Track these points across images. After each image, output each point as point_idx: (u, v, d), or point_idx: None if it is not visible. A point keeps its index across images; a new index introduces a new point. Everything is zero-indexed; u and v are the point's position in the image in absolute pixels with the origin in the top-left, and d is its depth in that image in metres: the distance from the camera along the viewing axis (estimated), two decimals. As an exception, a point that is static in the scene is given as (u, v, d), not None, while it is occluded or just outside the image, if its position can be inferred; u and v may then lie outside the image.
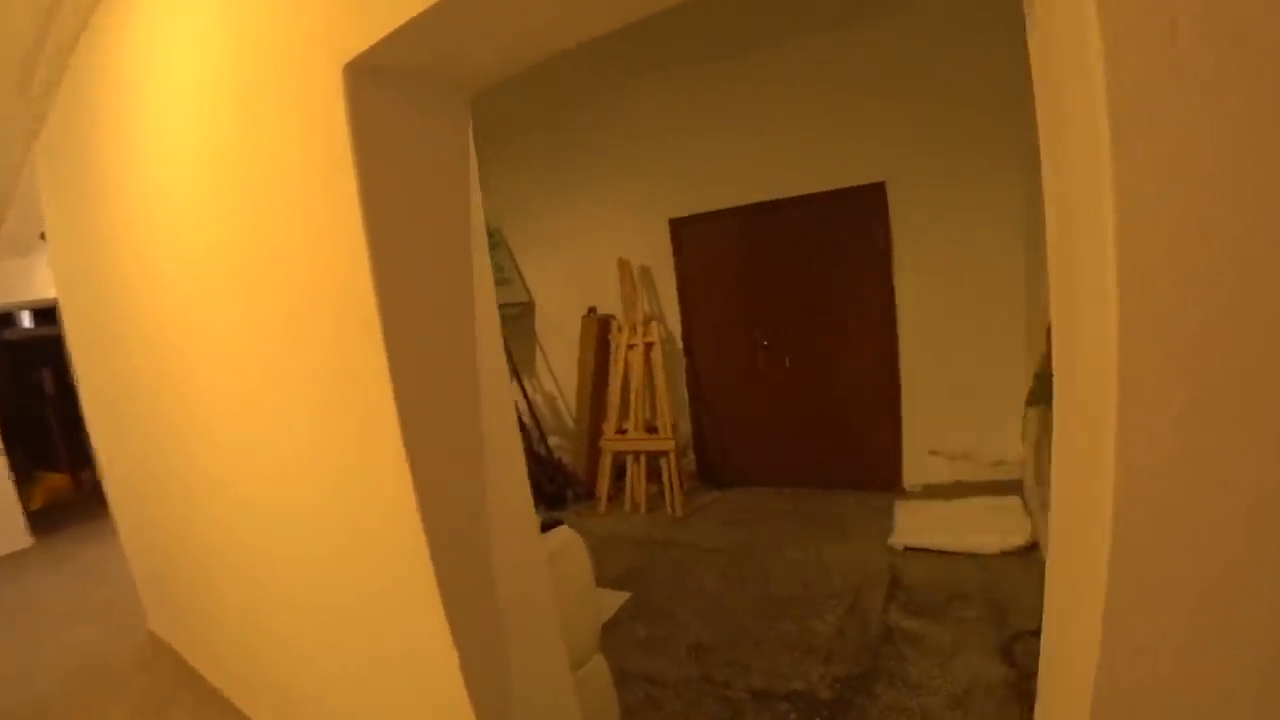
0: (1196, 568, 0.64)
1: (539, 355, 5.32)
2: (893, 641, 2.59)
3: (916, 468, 4.12)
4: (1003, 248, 3.71)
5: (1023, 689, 2.17)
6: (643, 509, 4.22)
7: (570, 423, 5.10)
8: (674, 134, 4.41)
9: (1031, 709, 1.96)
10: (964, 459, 3.99)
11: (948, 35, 3.59)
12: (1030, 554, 3.09)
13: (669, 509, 4.17)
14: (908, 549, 3.34)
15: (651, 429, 4.30)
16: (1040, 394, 2.94)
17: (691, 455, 4.79)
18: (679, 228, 4.56)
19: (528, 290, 5.29)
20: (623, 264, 4.41)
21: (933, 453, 4.07)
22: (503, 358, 1.46)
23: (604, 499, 4.29)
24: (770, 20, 3.71)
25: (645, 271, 4.54)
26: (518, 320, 5.28)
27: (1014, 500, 3.62)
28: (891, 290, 4.01)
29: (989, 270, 3.76)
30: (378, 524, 1.36)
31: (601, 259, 4.67)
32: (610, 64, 3.99)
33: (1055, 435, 0.92)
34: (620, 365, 4.30)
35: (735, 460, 4.63)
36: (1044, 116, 0.80)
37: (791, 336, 4.34)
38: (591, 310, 4.75)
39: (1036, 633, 2.31)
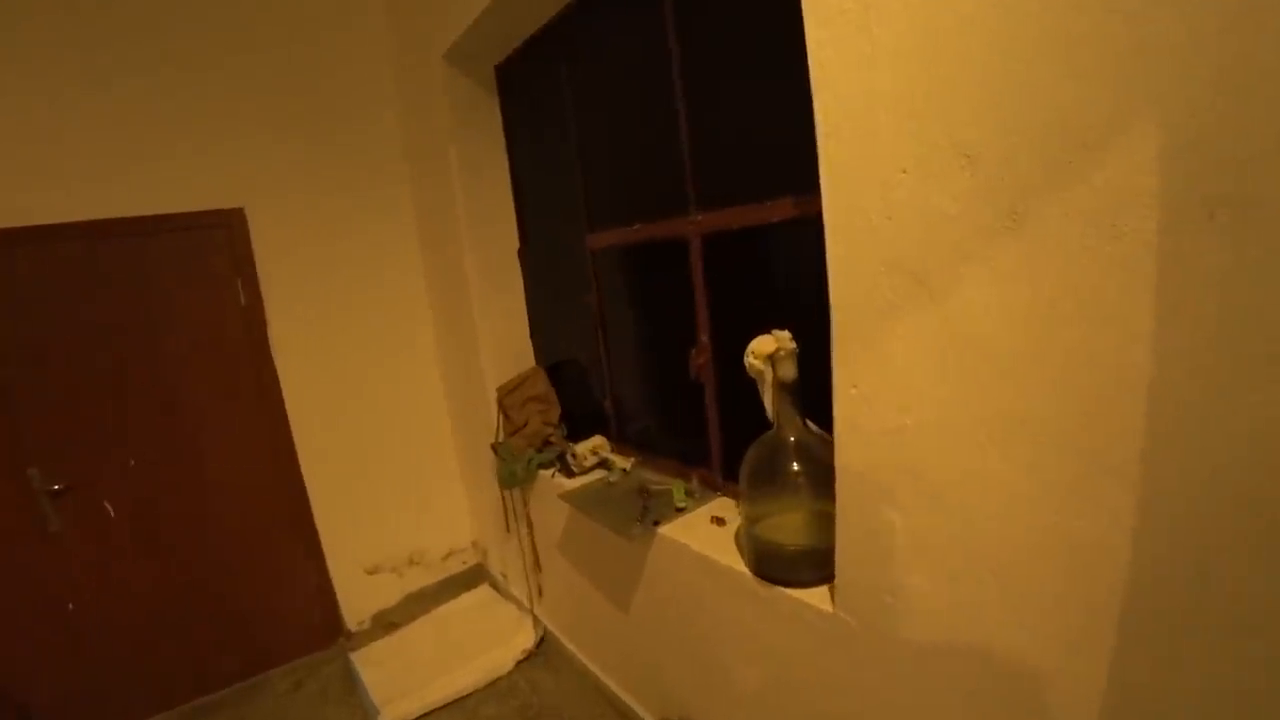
0: None
1: None
2: None
3: (358, 599, 3.20)
4: (406, 292, 3.26)
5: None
6: None
7: None
8: None
9: None
10: (411, 564, 3.35)
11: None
12: (544, 648, 2.77)
13: None
14: (410, 720, 2.49)
15: None
16: (518, 473, 2.65)
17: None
18: None
19: None
20: None
21: (372, 571, 3.25)
22: None
23: None
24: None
25: None
26: None
27: (486, 591, 3.24)
28: (270, 361, 2.93)
29: (392, 316, 3.23)
30: None
31: None
32: None
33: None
34: None
35: (44, 705, 2.53)
36: None
37: (112, 467, 2.65)
38: None
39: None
